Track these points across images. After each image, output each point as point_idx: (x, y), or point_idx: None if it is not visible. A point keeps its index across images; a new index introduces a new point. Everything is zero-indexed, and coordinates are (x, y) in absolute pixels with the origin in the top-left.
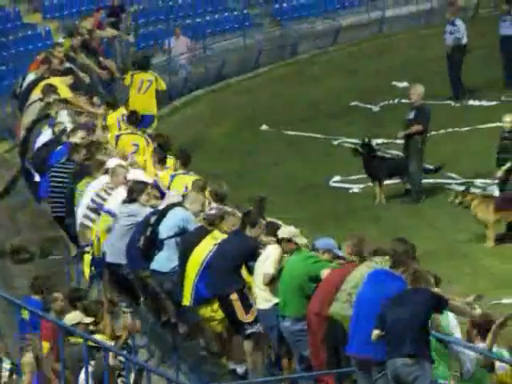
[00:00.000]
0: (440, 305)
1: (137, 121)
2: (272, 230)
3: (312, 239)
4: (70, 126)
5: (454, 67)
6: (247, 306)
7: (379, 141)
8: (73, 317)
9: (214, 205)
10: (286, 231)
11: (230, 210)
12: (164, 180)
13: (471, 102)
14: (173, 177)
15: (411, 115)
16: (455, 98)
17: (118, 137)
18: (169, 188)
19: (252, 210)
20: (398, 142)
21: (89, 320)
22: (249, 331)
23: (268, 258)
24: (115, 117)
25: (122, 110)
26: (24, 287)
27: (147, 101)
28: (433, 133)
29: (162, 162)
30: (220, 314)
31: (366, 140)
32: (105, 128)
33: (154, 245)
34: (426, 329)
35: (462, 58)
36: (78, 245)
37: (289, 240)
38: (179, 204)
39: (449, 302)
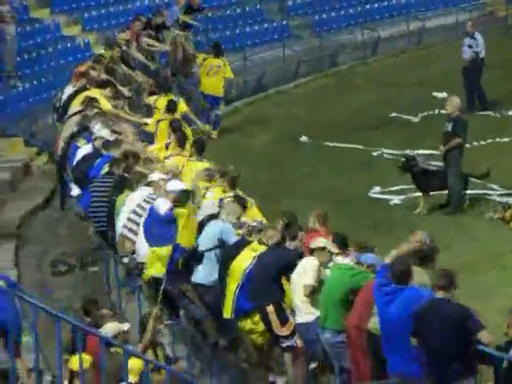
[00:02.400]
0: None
1: (174, 109)
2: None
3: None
4: (110, 140)
5: (469, 80)
6: (283, 319)
7: (420, 151)
8: (112, 326)
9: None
10: (319, 241)
11: (269, 224)
12: (178, 162)
13: (511, 113)
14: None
15: (449, 127)
16: (469, 110)
17: (157, 122)
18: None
19: (292, 222)
20: (438, 152)
21: (127, 326)
22: (285, 344)
23: (306, 271)
24: (164, 101)
25: (171, 96)
26: (63, 299)
27: (215, 83)
28: (474, 143)
29: (181, 145)
30: (261, 327)
31: (411, 154)
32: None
33: (194, 258)
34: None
35: (480, 72)
36: (117, 255)
37: (323, 248)
38: (216, 216)
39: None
